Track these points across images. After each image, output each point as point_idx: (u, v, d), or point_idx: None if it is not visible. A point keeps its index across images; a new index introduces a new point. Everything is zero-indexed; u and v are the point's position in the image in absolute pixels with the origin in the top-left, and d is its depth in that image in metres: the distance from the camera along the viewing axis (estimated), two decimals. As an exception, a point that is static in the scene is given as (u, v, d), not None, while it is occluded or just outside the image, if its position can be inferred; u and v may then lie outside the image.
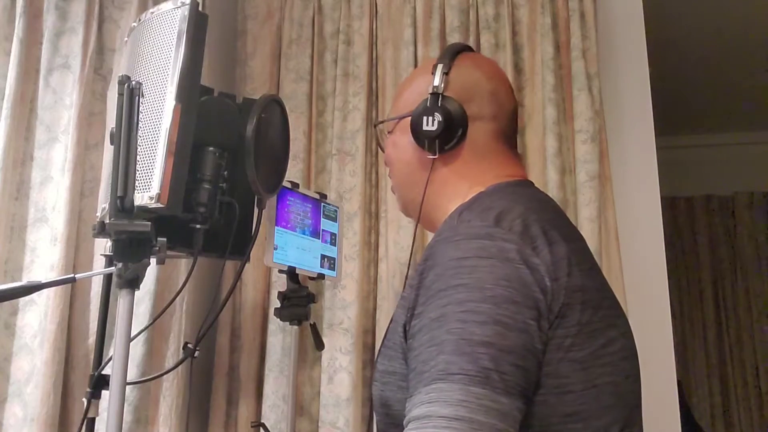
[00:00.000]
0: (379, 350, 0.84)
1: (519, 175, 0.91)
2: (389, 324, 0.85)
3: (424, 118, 0.87)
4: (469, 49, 0.97)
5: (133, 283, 0.96)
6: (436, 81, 0.88)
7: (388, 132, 1.00)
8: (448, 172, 0.90)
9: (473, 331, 0.66)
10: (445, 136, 0.87)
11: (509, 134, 0.93)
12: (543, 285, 0.70)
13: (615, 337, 0.76)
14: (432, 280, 0.72)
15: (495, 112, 0.90)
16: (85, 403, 1.18)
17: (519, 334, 0.67)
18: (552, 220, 0.79)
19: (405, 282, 0.90)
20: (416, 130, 0.89)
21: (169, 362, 1.52)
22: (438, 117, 0.86)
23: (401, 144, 0.94)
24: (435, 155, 0.88)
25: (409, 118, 0.90)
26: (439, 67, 0.89)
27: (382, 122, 1.02)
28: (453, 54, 0.92)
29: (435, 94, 0.88)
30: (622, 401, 0.75)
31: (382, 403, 0.80)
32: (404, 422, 0.67)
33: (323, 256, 1.55)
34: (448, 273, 0.71)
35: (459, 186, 0.89)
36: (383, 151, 1.02)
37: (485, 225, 0.75)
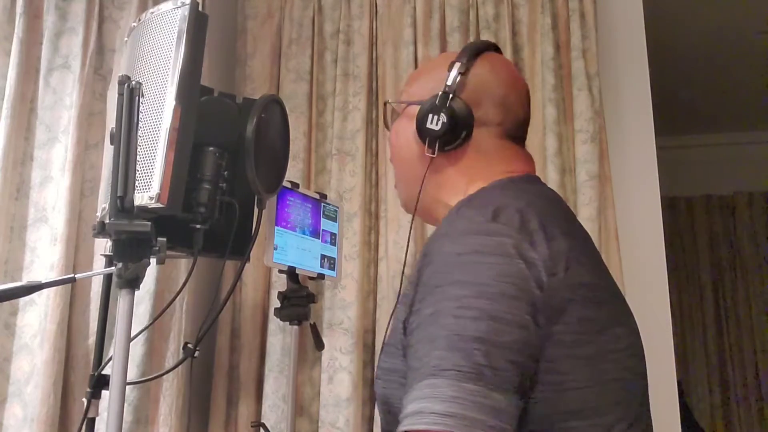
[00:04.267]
0: (382, 348, 0.84)
1: (523, 170, 0.90)
2: (390, 322, 0.85)
3: (430, 116, 0.86)
4: (493, 48, 0.94)
5: (133, 283, 0.96)
6: (449, 81, 0.87)
7: (397, 113, 0.97)
8: (451, 168, 0.89)
9: (467, 326, 0.66)
10: (448, 137, 0.87)
11: (516, 135, 0.92)
12: (540, 280, 0.69)
13: (622, 335, 0.75)
14: (429, 277, 0.72)
15: (502, 119, 0.89)
16: (85, 403, 1.18)
17: (514, 330, 0.67)
18: (553, 216, 0.78)
19: (401, 280, 0.89)
20: (420, 126, 0.88)
21: (169, 362, 1.52)
22: (443, 118, 0.86)
23: (405, 132, 0.93)
24: (433, 155, 0.87)
25: (417, 108, 0.89)
26: (456, 66, 0.88)
27: (393, 102, 1.00)
28: (473, 54, 0.90)
29: (445, 94, 0.87)
30: (629, 399, 0.74)
31: (383, 401, 0.80)
32: (399, 419, 0.67)
33: (323, 256, 1.55)
34: (444, 269, 0.71)
35: (459, 182, 0.88)
36: (388, 129, 1.00)
37: (483, 220, 0.74)
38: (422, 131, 0.88)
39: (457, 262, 0.71)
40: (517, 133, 0.91)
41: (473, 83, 0.88)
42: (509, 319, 0.67)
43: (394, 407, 0.77)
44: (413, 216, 0.95)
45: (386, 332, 0.85)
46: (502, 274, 0.69)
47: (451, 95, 0.87)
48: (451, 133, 0.86)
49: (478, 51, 0.91)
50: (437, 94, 0.87)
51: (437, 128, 0.86)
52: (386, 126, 1.03)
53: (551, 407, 0.69)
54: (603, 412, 0.71)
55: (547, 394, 0.68)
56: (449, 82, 0.87)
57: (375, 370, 0.84)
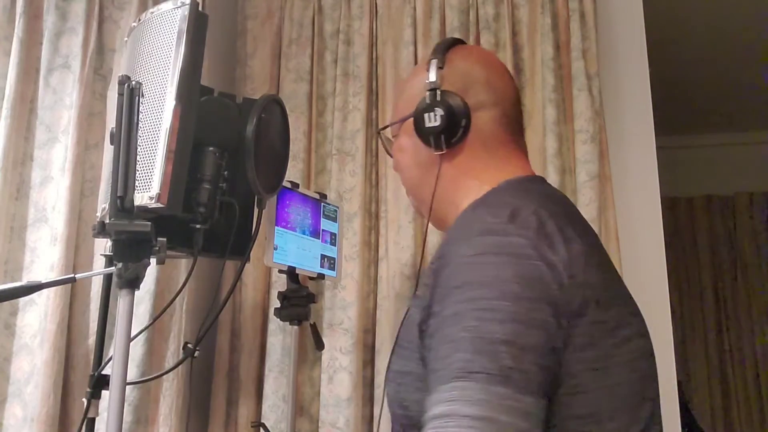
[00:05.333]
0: (393, 350, 0.84)
1: (527, 170, 0.90)
2: (402, 324, 0.84)
3: (426, 114, 0.87)
4: (461, 42, 0.96)
5: (133, 283, 0.96)
6: (432, 77, 0.87)
7: (393, 137, 0.99)
8: (457, 167, 0.89)
9: (491, 329, 0.65)
10: (450, 129, 0.86)
11: (514, 120, 0.91)
12: (561, 282, 0.69)
13: (629, 336, 0.74)
14: (446, 278, 0.71)
15: (495, 99, 0.89)
16: (85, 403, 1.18)
17: (538, 332, 0.66)
18: (566, 217, 0.79)
19: (417, 282, 0.90)
20: (420, 129, 0.88)
21: (169, 362, 1.52)
22: (440, 111, 0.86)
23: (407, 146, 0.94)
24: (442, 151, 0.87)
25: (412, 119, 0.90)
26: (433, 62, 0.88)
27: (385, 128, 1.01)
28: (445, 48, 0.91)
29: (433, 90, 0.87)
30: (639, 402, 0.73)
31: (398, 404, 0.79)
32: (423, 420, 0.66)
33: (323, 256, 1.55)
34: (463, 270, 0.70)
35: (470, 183, 0.88)
36: (392, 156, 1.01)
37: (499, 221, 0.74)
38: (424, 133, 0.88)
39: (474, 262, 0.70)
40: (513, 114, 0.91)
41: (455, 73, 0.89)
42: (533, 321, 0.66)
43: (411, 410, 0.76)
44: (427, 221, 0.95)
45: (398, 334, 0.85)
46: (522, 275, 0.68)
47: (438, 89, 0.87)
48: (451, 125, 0.86)
49: (448, 46, 0.92)
50: (425, 95, 0.87)
51: (437, 123, 0.86)
52: (388, 153, 1.04)
53: (567, 411, 0.68)
54: (612, 416, 0.70)
55: (564, 397, 0.68)
56: (432, 78, 0.87)
57: (386, 372, 0.84)
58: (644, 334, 0.79)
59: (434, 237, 1.72)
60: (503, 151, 0.89)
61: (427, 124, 0.87)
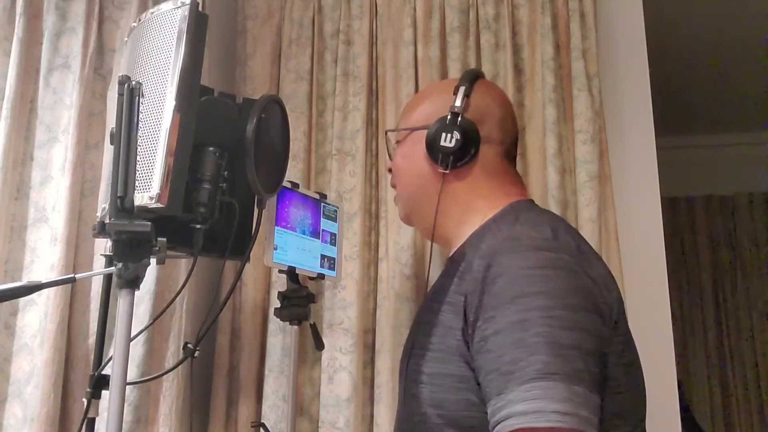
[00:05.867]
0: (416, 353, 0.88)
1: (525, 195, 0.99)
2: (423, 328, 0.88)
3: (443, 134, 0.94)
4: (482, 75, 1.05)
5: (133, 283, 0.96)
6: (458, 102, 0.95)
7: (397, 141, 1.04)
8: (460, 186, 0.96)
9: (561, 335, 0.72)
10: (460, 153, 0.94)
11: (512, 152, 1.01)
12: (603, 295, 0.78)
13: (634, 347, 0.85)
14: (503, 287, 0.77)
15: (502, 138, 0.98)
16: (85, 403, 1.18)
17: (595, 339, 0.75)
18: (582, 239, 0.88)
19: (426, 284, 0.96)
20: (432, 145, 0.95)
21: (169, 362, 1.52)
22: (456, 135, 0.93)
23: (412, 156, 1.00)
24: (446, 170, 0.95)
25: (424, 131, 0.96)
26: (462, 89, 0.97)
27: (393, 130, 1.08)
28: (473, 78, 0.99)
29: (455, 114, 0.94)
30: (642, 400, 0.86)
31: (433, 404, 0.83)
32: (496, 418, 0.71)
33: (323, 256, 1.55)
34: (522, 281, 0.76)
35: (477, 203, 0.95)
36: (391, 158, 1.07)
37: (545, 238, 0.81)
38: (434, 149, 0.95)
39: (534, 275, 0.77)
40: (513, 152, 1.02)
41: (476, 104, 0.97)
42: (590, 329, 0.75)
43: (449, 410, 0.82)
44: (432, 231, 1.00)
45: (416, 338, 0.88)
46: (577, 287, 0.77)
47: (460, 114, 0.95)
48: (462, 149, 0.94)
49: (475, 77, 1.00)
50: (446, 116, 0.95)
51: (451, 145, 0.94)
52: (389, 154, 1.10)
53: (606, 408, 0.75)
54: (633, 412, 0.82)
55: (608, 396, 0.76)
56: (458, 104, 0.95)
57: (411, 375, 0.89)
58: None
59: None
60: (503, 177, 0.98)
61: (441, 143, 0.94)
